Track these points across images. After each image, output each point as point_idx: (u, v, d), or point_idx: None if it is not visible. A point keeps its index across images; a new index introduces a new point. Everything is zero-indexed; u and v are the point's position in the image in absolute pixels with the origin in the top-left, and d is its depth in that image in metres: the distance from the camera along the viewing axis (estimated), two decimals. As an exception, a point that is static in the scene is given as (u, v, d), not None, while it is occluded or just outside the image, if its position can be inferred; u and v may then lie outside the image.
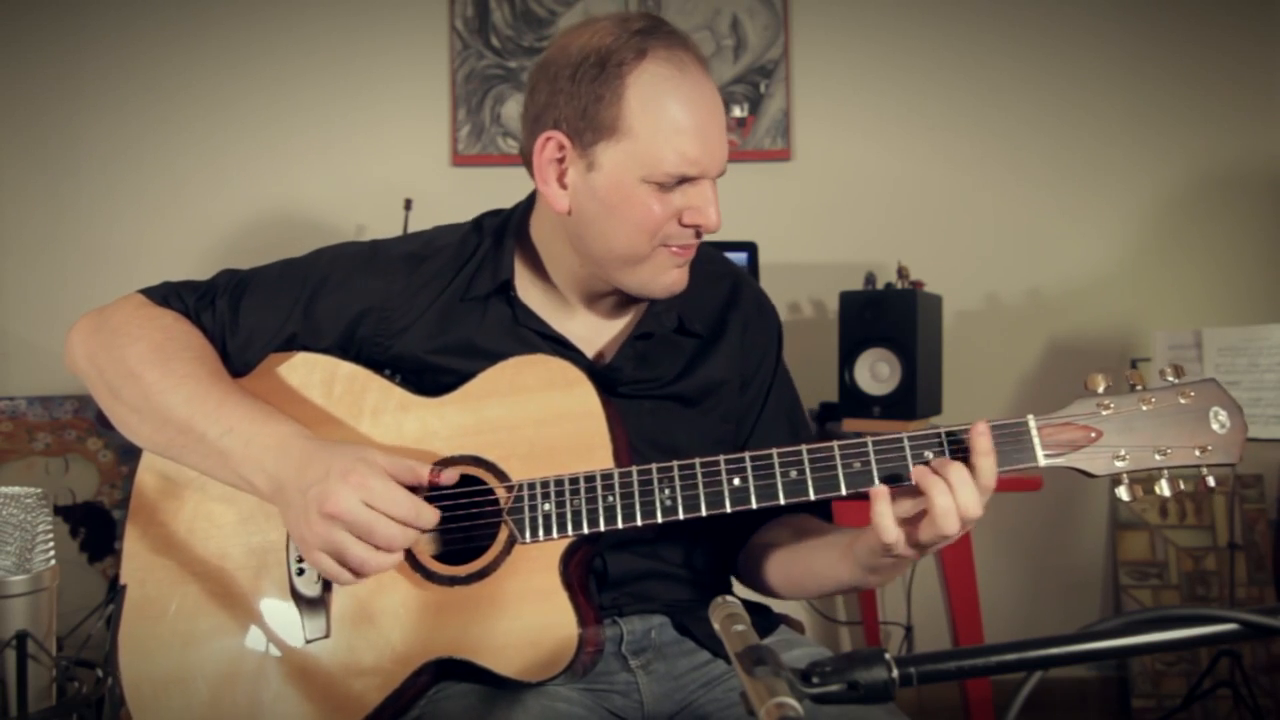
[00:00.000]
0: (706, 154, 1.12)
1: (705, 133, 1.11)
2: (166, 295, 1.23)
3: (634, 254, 1.15)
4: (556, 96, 1.12)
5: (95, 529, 2.78)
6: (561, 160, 1.15)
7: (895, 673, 0.63)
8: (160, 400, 1.12)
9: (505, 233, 1.26)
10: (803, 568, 1.20)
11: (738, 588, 1.32)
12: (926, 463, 1.03)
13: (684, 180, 1.12)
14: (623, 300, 1.25)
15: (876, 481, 1.04)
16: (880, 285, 2.55)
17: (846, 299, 2.45)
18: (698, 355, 1.28)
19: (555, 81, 1.12)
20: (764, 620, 1.30)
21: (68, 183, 2.91)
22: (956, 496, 0.98)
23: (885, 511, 1.00)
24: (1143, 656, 2.70)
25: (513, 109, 2.89)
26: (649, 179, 1.11)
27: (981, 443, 1.01)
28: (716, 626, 0.72)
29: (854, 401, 2.39)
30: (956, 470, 0.99)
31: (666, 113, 1.09)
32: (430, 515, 1.06)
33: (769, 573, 1.24)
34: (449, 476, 1.09)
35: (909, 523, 1.02)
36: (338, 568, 1.04)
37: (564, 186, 1.16)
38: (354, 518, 1.01)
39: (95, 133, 2.90)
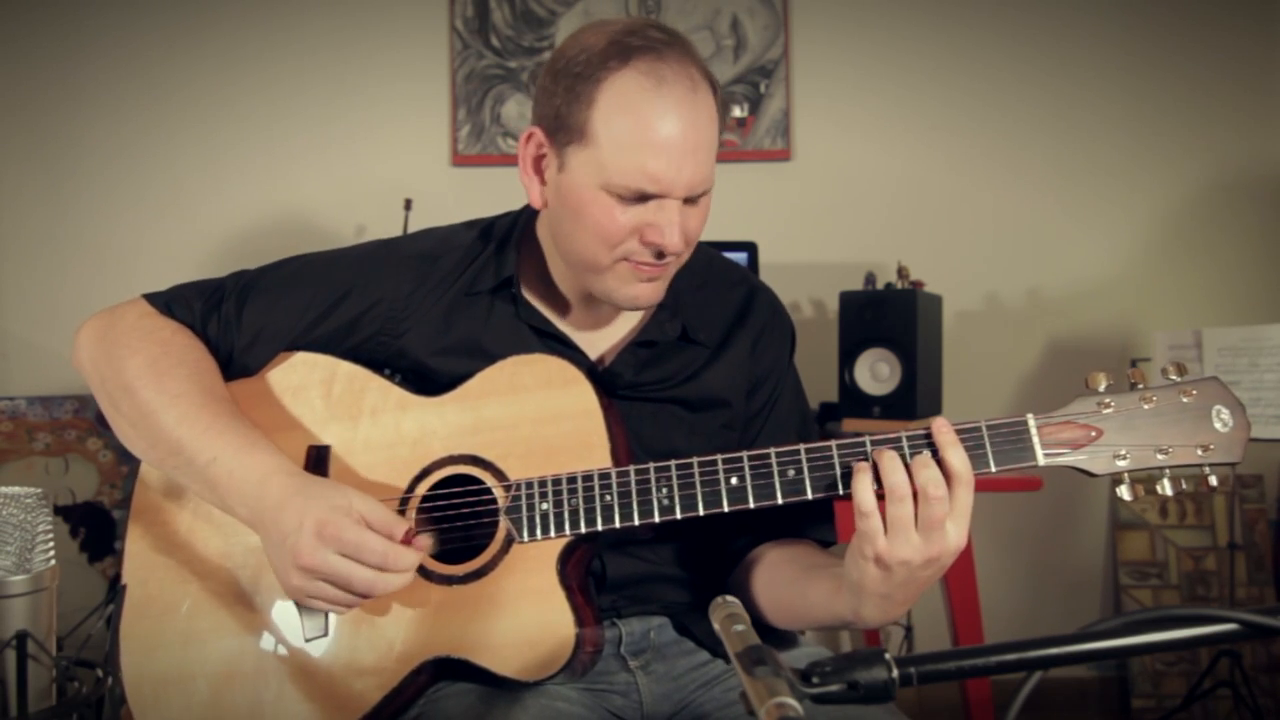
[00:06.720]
0: (670, 172, 1.08)
1: (672, 151, 1.07)
2: (171, 303, 1.22)
3: (595, 262, 1.15)
4: (543, 93, 1.14)
5: (95, 529, 2.78)
6: (542, 156, 1.16)
7: (895, 673, 0.63)
8: (152, 419, 1.12)
9: (512, 232, 1.27)
10: (796, 594, 1.15)
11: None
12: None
13: (645, 196, 1.09)
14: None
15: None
16: (880, 285, 2.55)
17: (846, 299, 2.45)
18: (705, 364, 1.27)
19: (545, 78, 1.14)
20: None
21: (68, 183, 2.91)
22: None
23: (865, 484, 0.99)
24: (1143, 656, 2.70)
25: (513, 109, 2.89)
26: (608, 189, 1.09)
27: (944, 436, 0.99)
28: (716, 626, 0.72)
29: (854, 401, 2.39)
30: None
31: (631, 125, 1.07)
32: (408, 557, 1.05)
33: (760, 597, 1.19)
34: (423, 543, 1.08)
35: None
36: (326, 606, 1.07)
37: (544, 182, 1.17)
38: (329, 570, 1.02)
39: (95, 133, 2.90)
